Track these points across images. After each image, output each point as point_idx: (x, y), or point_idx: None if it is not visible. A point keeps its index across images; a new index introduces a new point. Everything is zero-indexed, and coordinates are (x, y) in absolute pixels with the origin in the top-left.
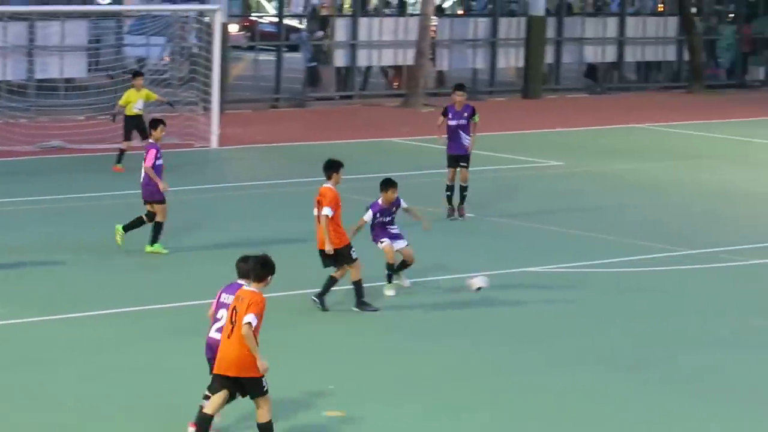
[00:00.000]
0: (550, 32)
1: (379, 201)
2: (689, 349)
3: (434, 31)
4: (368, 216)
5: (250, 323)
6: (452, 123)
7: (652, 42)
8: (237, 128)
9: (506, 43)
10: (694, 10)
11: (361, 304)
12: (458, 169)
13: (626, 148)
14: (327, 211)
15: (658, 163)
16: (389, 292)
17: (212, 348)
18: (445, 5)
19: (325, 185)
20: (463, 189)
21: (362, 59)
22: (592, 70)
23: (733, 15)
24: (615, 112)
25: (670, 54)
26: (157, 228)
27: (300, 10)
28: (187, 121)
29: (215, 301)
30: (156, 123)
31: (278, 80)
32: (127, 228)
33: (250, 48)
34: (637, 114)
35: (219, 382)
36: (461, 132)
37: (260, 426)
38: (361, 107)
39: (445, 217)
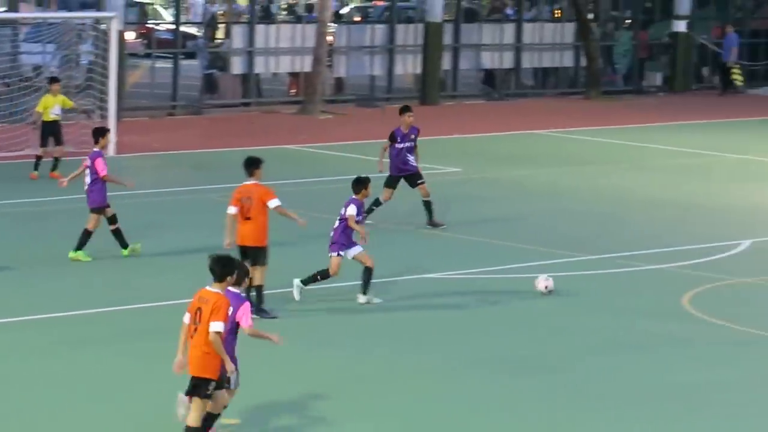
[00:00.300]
0: (447, 39)
1: (357, 197)
2: (589, 352)
3: (332, 38)
4: (353, 210)
5: (218, 332)
6: (400, 146)
7: (549, 48)
8: (134, 136)
9: (404, 49)
10: (590, 16)
11: (260, 311)
12: (418, 186)
13: (524, 154)
14: (274, 203)
15: (556, 168)
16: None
17: None
18: (343, 12)
19: (248, 182)
20: (428, 203)
21: (259, 66)
22: (489, 77)
23: (629, 21)
24: (512, 119)
25: (567, 60)
26: (85, 236)
27: (198, 17)
28: (83, 129)
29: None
30: (103, 131)
31: (175, 87)
32: (120, 240)
33: (147, 55)
34: (535, 120)
35: (191, 384)
36: (407, 154)
37: (187, 429)
38: (259, 114)
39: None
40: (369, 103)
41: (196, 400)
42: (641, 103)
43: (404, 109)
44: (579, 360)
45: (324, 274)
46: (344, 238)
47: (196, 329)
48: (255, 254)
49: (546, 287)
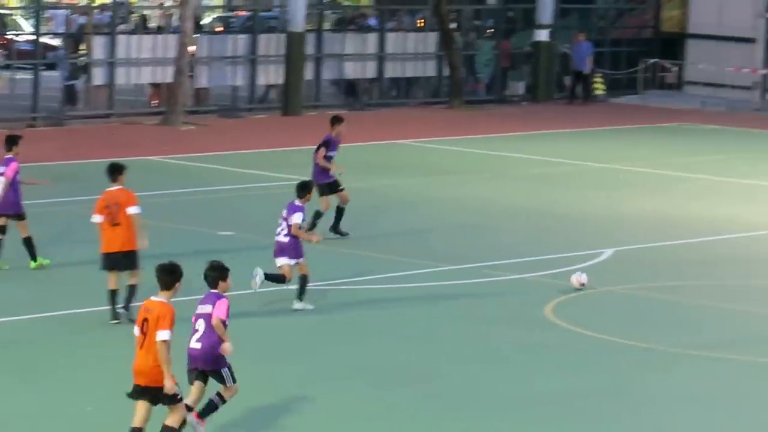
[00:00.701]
0: (310, 48)
1: (299, 203)
2: (453, 361)
3: (193, 48)
4: (299, 218)
5: (165, 341)
6: (332, 154)
7: (412, 58)
8: None
9: (266, 59)
10: (453, 25)
11: (127, 308)
12: (338, 193)
13: (387, 164)
14: (134, 209)
15: (420, 178)
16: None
17: (193, 357)
18: (204, 22)
19: (112, 188)
20: (342, 210)
21: (121, 77)
22: (351, 87)
23: (492, 30)
24: (376, 128)
25: (430, 69)
26: (28, 243)
27: (60, 28)
28: None
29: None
30: (16, 138)
31: (35, 99)
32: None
33: (6, 66)
34: (398, 130)
35: (136, 392)
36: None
37: (165, 428)
38: (120, 125)
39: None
40: (233, 113)
41: (173, 406)
42: (504, 113)
43: (338, 120)
44: (444, 369)
45: (280, 279)
46: (293, 245)
47: (145, 340)
48: (125, 259)
49: (581, 284)
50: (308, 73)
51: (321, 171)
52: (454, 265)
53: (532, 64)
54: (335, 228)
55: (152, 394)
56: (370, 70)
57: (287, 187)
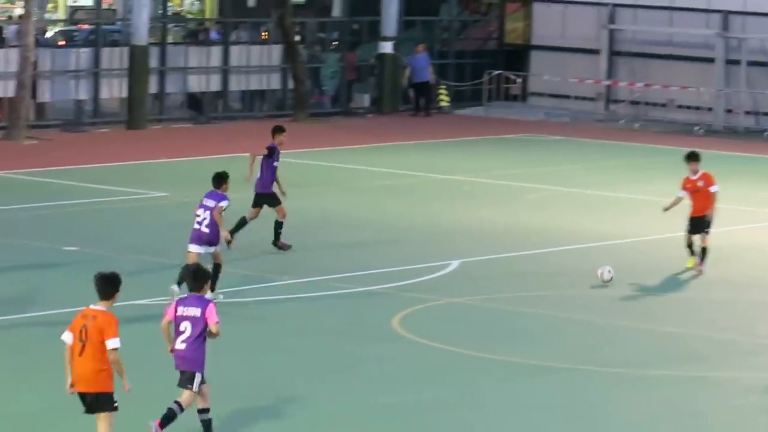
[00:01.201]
0: (154, 62)
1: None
2: (301, 375)
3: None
4: (225, 203)
5: (116, 348)
6: (276, 164)
7: (257, 70)
8: None
9: (109, 73)
10: (298, 38)
11: None
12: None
13: (234, 178)
14: None
15: None
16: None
17: (177, 359)
18: (47, 36)
19: None
20: (282, 224)
21: None
22: (196, 100)
23: (337, 43)
24: (221, 142)
25: (274, 82)
26: None
27: None
28: None
29: (171, 317)
30: None
31: None
32: None
33: None
34: (243, 143)
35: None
36: (276, 173)
37: None
38: None
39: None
40: (76, 127)
41: (108, 414)
42: (349, 125)
43: (280, 129)
44: (291, 382)
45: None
46: (214, 234)
47: (83, 347)
48: None
49: (609, 276)
50: (152, 86)
51: (264, 180)
52: (300, 278)
53: (377, 76)
54: (276, 242)
55: (96, 399)
56: (214, 84)
57: (133, 201)
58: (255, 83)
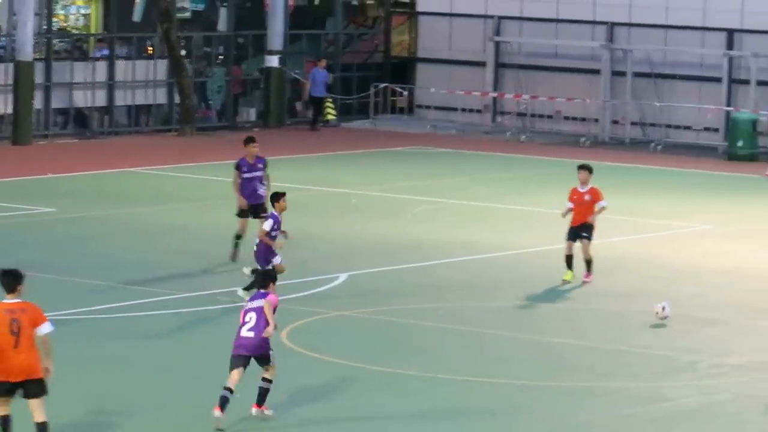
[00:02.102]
0: (39, 77)
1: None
2: (190, 391)
3: None
4: (268, 225)
5: (48, 332)
6: (248, 175)
7: (143, 85)
8: None
9: None
10: (183, 52)
11: None
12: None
13: (121, 193)
14: None
15: (153, 207)
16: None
17: (244, 346)
18: None
19: None
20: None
21: None
22: (82, 115)
23: (222, 57)
24: (107, 157)
25: (160, 97)
26: None
27: None
28: None
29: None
30: None
31: None
32: None
33: None
34: (130, 158)
35: (4, 389)
36: (257, 183)
37: (40, 425)
38: None
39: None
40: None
41: (41, 399)
42: (236, 139)
43: (248, 140)
44: (180, 400)
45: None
46: (264, 250)
47: (17, 340)
48: None
49: (664, 314)
50: (37, 102)
51: (242, 193)
52: (187, 292)
53: (263, 90)
54: (237, 247)
55: (33, 385)
56: (99, 99)
57: (20, 217)
58: (141, 98)
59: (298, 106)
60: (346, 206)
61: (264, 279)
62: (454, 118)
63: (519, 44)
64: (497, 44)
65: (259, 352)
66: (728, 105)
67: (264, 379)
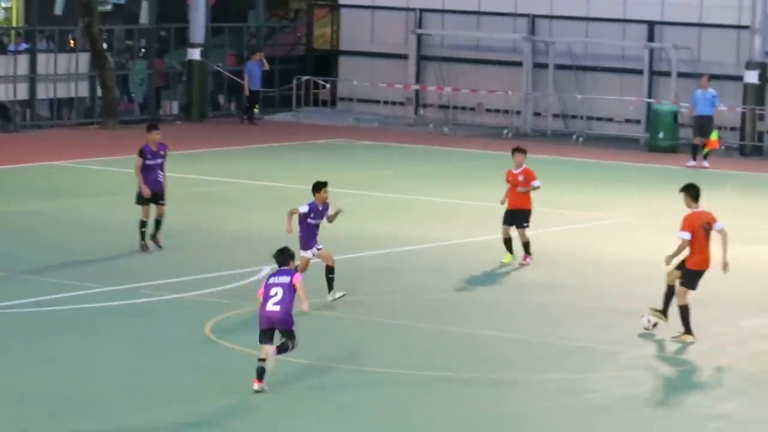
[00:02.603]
0: None
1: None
2: (118, 386)
3: None
4: (304, 208)
5: None
6: (150, 162)
7: (65, 79)
8: None
9: None
10: (105, 45)
11: None
12: (156, 205)
13: (43, 187)
14: None
15: (78, 200)
16: (338, 294)
17: (269, 319)
18: None
19: None
20: (159, 223)
21: None
22: (3, 109)
23: (144, 50)
24: (29, 151)
25: (82, 90)
26: None
27: None
28: None
29: (263, 284)
30: None
31: None
32: None
33: None
34: (53, 151)
35: None
36: (159, 170)
37: None
38: None
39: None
40: None
41: None
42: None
43: (151, 127)
44: (108, 396)
45: (332, 271)
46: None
47: None
48: None
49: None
50: None
51: (144, 179)
52: (111, 286)
53: (185, 83)
54: (144, 237)
55: None
56: (21, 92)
57: None
58: (63, 91)
59: (221, 99)
60: (269, 199)
61: (283, 257)
62: (376, 110)
63: (441, 37)
64: (419, 37)
65: (283, 327)
66: (649, 97)
67: (282, 343)
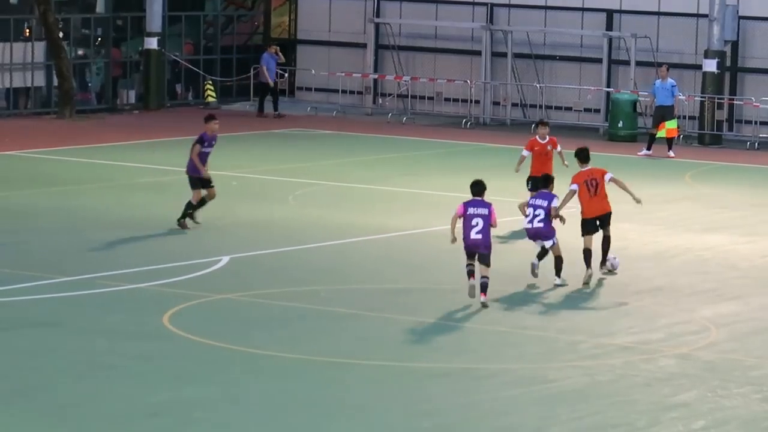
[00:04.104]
0: None
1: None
2: (68, 375)
3: None
4: (556, 202)
5: None
6: (206, 150)
7: (20, 68)
8: None
9: None
10: (61, 34)
11: None
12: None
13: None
14: None
15: (32, 190)
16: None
17: (476, 244)
18: None
19: None
20: (204, 203)
21: None
22: None
23: (101, 39)
24: None
25: (39, 80)
26: None
27: None
28: None
29: (461, 213)
30: None
31: None
32: None
33: None
34: (8, 141)
35: None
36: (207, 159)
37: None
38: None
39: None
40: None
41: None
42: (115, 122)
43: (210, 117)
44: (59, 384)
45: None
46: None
47: None
48: None
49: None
50: None
51: (194, 165)
52: (66, 276)
53: (142, 72)
54: (192, 217)
55: None
56: None
57: None
58: (18, 81)
59: (178, 88)
60: (226, 189)
61: (478, 188)
62: (334, 99)
63: (399, 26)
64: (377, 26)
65: (484, 251)
66: (608, 86)
67: (483, 277)
